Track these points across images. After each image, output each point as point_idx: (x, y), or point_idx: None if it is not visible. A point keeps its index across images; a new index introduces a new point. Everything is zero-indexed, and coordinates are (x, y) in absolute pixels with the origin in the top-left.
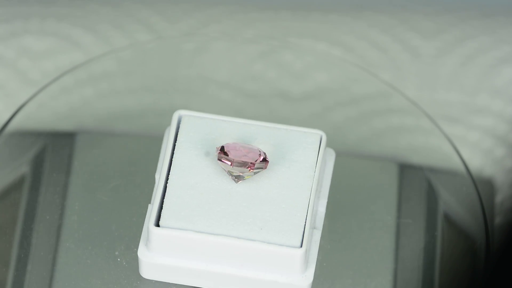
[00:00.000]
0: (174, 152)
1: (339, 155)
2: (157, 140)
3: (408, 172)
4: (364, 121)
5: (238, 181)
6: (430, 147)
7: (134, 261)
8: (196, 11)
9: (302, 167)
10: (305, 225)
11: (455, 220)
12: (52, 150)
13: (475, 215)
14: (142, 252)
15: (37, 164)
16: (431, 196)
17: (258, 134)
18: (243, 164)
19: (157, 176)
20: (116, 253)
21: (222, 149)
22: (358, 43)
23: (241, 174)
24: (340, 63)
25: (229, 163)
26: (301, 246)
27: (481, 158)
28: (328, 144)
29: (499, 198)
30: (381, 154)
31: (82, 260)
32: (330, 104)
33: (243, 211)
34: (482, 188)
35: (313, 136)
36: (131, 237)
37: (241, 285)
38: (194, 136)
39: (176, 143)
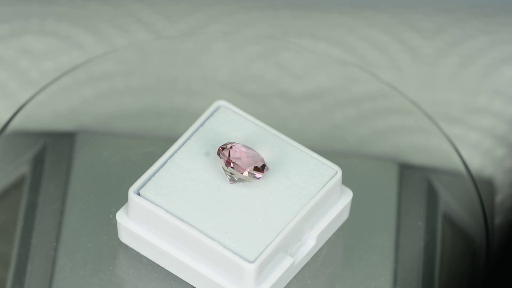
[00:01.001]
0: (192, 136)
1: (339, 155)
2: (157, 140)
3: (408, 172)
4: (364, 121)
5: (232, 182)
6: (430, 147)
7: (134, 261)
8: (196, 11)
9: (300, 192)
10: (269, 245)
11: (455, 220)
12: (52, 150)
13: (475, 215)
14: (120, 214)
15: (37, 164)
16: (431, 196)
17: (278, 149)
18: (236, 166)
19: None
20: (117, 253)
21: (225, 146)
22: (358, 43)
23: (233, 175)
24: (340, 63)
25: (224, 160)
26: (253, 261)
27: (481, 158)
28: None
29: (499, 198)
30: (381, 154)
31: (82, 260)
32: (330, 104)
33: (221, 210)
34: (482, 188)
35: (327, 169)
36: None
37: (195, 279)
38: (219, 128)
39: (199, 129)
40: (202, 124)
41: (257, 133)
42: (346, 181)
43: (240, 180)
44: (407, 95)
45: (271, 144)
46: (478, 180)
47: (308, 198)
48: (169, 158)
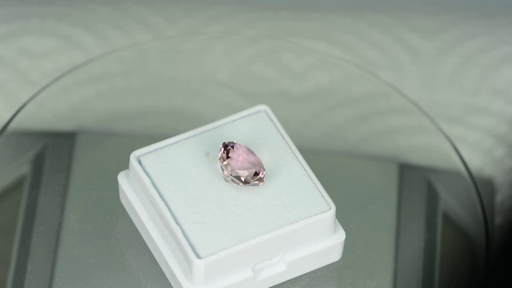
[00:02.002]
0: (217, 128)
1: (339, 155)
2: (157, 140)
3: (408, 172)
4: (364, 121)
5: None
6: (430, 147)
7: (134, 261)
8: (196, 11)
9: (283, 213)
10: (226, 248)
11: (455, 220)
12: (52, 150)
13: (475, 215)
14: (121, 176)
15: (37, 164)
16: (431, 196)
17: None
18: (227, 166)
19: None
20: (117, 253)
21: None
22: (358, 43)
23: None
24: (340, 63)
25: (219, 156)
26: (202, 258)
27: (481, 158)
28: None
29: (499, 198)
30: (381, 154)
31: (82, 260)
32: (330, 104)
33: (202, 202)
34: (482, 188)
35: (322, 203)
36: (132, 237)
37: (160, 259)
38: (245, 130)
39: (226, 124)
40: (233, 121)
41: (277, 147)
42: (346, 181)
43: (232, 181)
44: (407, 95)
45: (283, 160)
46: (478, 180)
47: (287, 222)
48: (184, 140)
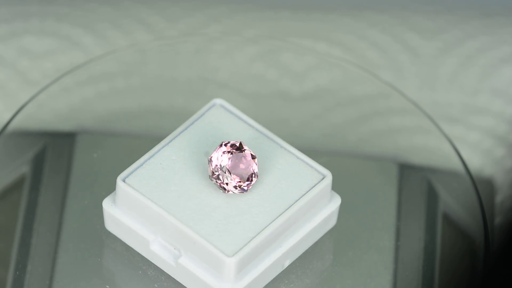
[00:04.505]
0: (184, 131)
1: (339, 155)
2: (157, 140)
3: (408, 172)
4: (364, 121)
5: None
6: (430, 147)
7: (134, 262)
8: (196, 11)
9: (284, 196)
10: (249, 243)
11: (455, 220)
12: (52, 150)
13: (474, 215)
14: (106, 202)
15: (37, 164)
16: (431, 196)
17: (269, 151)
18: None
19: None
20: (117, 253)
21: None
22: (358, 43)
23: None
24: (340, 63)
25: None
26: (232, 256)
27: (481, 158)
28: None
29: (499, 198)
30: (381, 154)
31: (82, 260)
32: (330, 104)
33: (205, 205)
34: (482, 188)
35: (315, 173)
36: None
37: (175, 272)
38: (211, 126)
39: (191, 125)
40: (195, 121)
41: (249, 134)
42: (346, 181)
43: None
44: (407, 95)
45: (262, 145)
46: (478, 180)
47: (292, 202)
48: (158, 151)
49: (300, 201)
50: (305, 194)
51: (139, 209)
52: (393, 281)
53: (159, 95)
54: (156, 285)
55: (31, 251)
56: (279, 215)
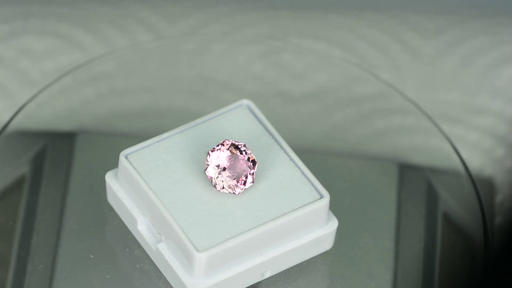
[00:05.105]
0: (201, 124)
1: (339, 155)
2: None
3: (408, 172)
4: (364, 121)
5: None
6: (430, 147)
7: (134, 261)
8: (196, 11)
9: (275, 207)
10: (224, 243)
11: (455, 220)
12: (52, 150)
13: (474, 215)
14: (109, 175)
15: (37, 164)
16: (431, 196)
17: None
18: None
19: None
20: (116, 253)
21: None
22: (358, 43)
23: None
24: (340, 63)
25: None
26: (202, 251)
27: (481, 158)
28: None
29: (499, 198)
30: (381, 154)
31: (82, 260)
32: (330, 104)
33: (194, 197)
34: (482, 188)
35: (314, 192)
36: (131, 237)
37: (154, 255)
38: (229, 125)
39: (209, 120)
40: (217, 116)
41: (264, 140)
42: (346, 181)
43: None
44: (407, 95)
45: (272, 153)
46: (478, 180)
47: (280, 214)
48: (169, 137)
49: (289, 215)
50: (296, 209)
51: (134, 187)
52: (393, 281)
53: (159, 95)
54: (138, 266)
55: (31, 251)
56: (262, 224)
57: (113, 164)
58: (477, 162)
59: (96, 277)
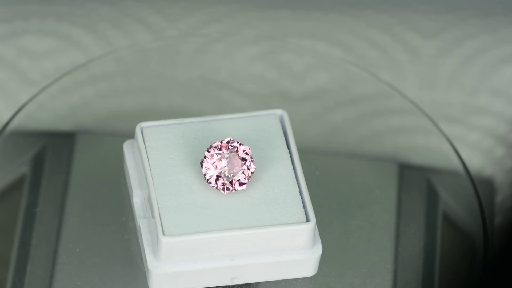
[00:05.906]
0: (228, 120)
1: (339, 155)
2: None
3: (408, 172)
4: (364, 121)
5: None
6: (430, 147)
7: (133, 261)
8: (196, 10)
9: (258, 216)
10: (189, 235)
11: (454, 220)
12: (52, 150)
13: (474, 215)
14: (127, 144)
15: (37, 164)
16: (431, 196)
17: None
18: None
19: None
20: (116, 253)
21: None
22: (358, 43)
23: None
24: (340, 63)
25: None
26: (167, 235)
27: (481, 158)
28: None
29: (499, 198)
30: (381, 154)
31: (82, 260)
32: (330, 104)
33: (184, 184)
34: (482, 188)
35: (302, 215)
36: (131, 237)
37: (140, 231)
38: (252, 130)
39: (237, 119)
40: (245, 117)
41: (279, 152)
42: (346, 181)
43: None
44: (407, 95)
45: (280, 165)
46: (478, 180)
47: (259, 224)
48: (190, 123)
49: (265, 229)
50: (275, 225)
51: (138, 159)
52: (393, 281)
53: (159, 95)
54: (126, 236)
55: (31, 251)
56: (236, 228)
57: (113, 164)
58: (477, 162)
59: (96, 277)
